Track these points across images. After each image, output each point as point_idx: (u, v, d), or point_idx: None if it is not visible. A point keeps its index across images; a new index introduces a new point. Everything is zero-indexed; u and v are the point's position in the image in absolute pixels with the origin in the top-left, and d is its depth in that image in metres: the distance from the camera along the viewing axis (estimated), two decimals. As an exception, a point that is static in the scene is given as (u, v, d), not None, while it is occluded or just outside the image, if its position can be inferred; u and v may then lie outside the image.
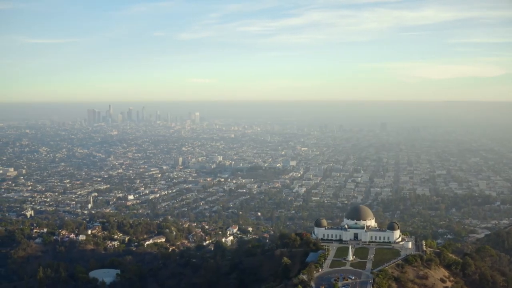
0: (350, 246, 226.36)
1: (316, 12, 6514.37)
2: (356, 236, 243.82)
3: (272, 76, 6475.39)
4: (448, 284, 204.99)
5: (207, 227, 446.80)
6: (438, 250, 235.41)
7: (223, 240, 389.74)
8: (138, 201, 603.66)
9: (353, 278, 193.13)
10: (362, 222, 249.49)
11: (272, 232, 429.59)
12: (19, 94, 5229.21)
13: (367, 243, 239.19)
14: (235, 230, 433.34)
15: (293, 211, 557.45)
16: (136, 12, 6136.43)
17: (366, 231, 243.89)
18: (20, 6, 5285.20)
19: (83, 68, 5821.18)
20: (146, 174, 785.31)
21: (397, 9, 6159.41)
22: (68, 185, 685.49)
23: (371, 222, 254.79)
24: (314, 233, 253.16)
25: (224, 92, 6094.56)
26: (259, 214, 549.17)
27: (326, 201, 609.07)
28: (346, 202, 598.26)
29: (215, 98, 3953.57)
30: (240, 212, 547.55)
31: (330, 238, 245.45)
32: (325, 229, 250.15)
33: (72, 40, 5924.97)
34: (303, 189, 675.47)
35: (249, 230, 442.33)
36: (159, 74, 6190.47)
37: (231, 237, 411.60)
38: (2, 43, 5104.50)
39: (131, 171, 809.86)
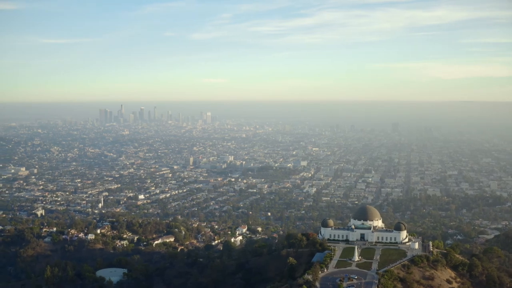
0: (356, 247, 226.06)
1: (328, 12, 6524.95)
2: (362, 237, 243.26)
3: (284, 76, 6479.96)
4: (455, 285, 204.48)
5: (216, 227, 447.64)
6: (445, 251, 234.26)
7: (232, 240, 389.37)
8: (148, 201, 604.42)
9: (356, 277, 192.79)
10: (369, 223, 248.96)
11: (281, 232, 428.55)
12: (31, 94, 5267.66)
13: (374, 243, 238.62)
14: (244, 230, 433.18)
15: (303, 211, 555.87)
16: (148, 12, 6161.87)
17: (372, 232, 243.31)
18: (31, 6, 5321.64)
19: (95, 68, 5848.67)
20: (157, 173, 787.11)
21: (409, 9, 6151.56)
22: (79, 184, 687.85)
23: (378, 223, 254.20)
24: (320, 233, 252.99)
25: (235, 92, 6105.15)
26: (269, 214, 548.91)
27: (336, 201, 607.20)
28: (356, 202, 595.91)
29: (227, 98, 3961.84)
30: (250, 212, 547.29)
31: (336, 238, 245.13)
32: (332, 229, 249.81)
33: (84, 40, 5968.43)
34: (314, 189, 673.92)
35: (258, 230, 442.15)
36: (171, 74, 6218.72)
37: (240, 237, 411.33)
38: (15, 43, 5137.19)
39: (142, 171, 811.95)
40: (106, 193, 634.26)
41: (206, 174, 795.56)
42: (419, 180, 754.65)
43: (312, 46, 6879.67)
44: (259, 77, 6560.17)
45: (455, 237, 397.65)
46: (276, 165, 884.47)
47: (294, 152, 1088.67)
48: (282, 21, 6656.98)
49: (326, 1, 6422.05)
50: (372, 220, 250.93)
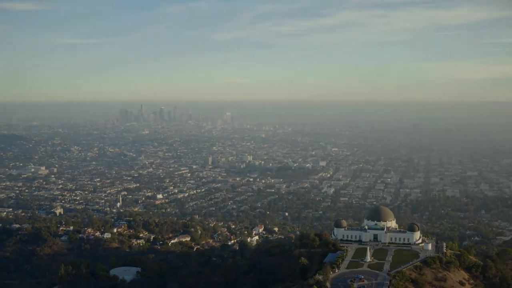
0: (369, 247, 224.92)
1: (349, 11, 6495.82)
2: (376, 237, 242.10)
3: (304, 76, 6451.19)
4: (468, 286, 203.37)
5: (233, 226, 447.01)
6: (459, 252, 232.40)
7: (248, 239, 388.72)
8: (166, 200, 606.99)
9: (362, 277, 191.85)
10: (382, 223, 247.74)
11: (298, 233, 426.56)
12: (52, 94, 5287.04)
13: (387, 244, 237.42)
14: (260, 230, 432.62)
15: (321, 212, 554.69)
16: (169, 12, 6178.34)
17: (386, 232, 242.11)
18: (53, 7, 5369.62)
19: (116, 68, 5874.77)
20: (176, 173, 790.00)
21: (430, 9, 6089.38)
22: (98, 183, 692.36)
23: (392, 223, 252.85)
24: (333, 233, 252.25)
25: (255, 92, 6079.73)
26: (287, 214, 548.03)
27: (354, 202, 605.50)
28: (374, 203, 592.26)
29: (247, 98, 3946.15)
30: (268, 212, 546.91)
31: (349, 239, 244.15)
32: (345, 229, 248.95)
33: (105, 40, 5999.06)
34: (332, 190, 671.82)
35: (275, 230, 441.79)
36: (191, 74, 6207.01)
37: (257, 237, 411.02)
38: (37, 43, 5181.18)
39: (161, 170, 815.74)
40: (125, 193, 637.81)
41: (225, 174, 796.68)
42: (439, 181, 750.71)
43: (333, 46, 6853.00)
44: (280, 77, 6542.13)
45: (472, 238, 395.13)
46: (295, 165, 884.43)
47: (313, 152, 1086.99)
48: (302, 21, 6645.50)
49: (347, 0, 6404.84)
50: (386, 221, 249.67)
